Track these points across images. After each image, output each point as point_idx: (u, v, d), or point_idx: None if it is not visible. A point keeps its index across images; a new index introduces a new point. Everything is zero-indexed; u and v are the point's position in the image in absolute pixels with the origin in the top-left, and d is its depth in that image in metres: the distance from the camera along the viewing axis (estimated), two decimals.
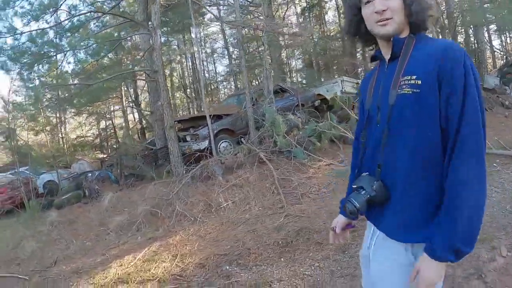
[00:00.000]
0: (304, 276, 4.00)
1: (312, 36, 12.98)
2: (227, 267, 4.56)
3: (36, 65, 13.60)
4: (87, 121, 23.75)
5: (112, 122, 23.14)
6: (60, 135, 20.12)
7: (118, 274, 5.10)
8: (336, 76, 17.62)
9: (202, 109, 15.93)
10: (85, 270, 5.67)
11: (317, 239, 4.90)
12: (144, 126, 20.10)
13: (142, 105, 21.53)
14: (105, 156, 18.52)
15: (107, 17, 14.74)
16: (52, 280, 5.55)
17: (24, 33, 11.99)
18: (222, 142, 10.17)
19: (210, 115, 9.59)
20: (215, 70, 24.53)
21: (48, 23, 12.69)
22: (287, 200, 6.90)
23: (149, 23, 10.25)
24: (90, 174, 12.63)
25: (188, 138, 10.58)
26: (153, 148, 12.78)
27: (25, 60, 12.97)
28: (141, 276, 4.81)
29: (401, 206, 1.42)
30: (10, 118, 16.70)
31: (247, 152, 8.84)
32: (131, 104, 20.17)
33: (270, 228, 5.63)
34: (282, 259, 4.52)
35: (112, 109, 22.42)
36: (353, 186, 1.52)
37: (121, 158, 11.96)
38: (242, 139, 10.01)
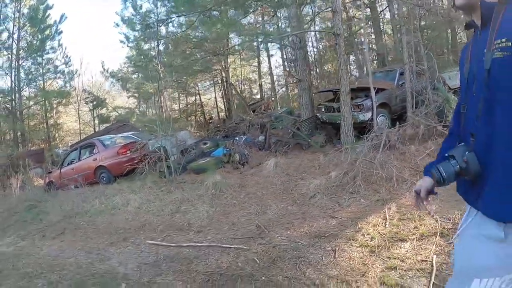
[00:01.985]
0: None
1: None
2: None
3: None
4: (171, 96, 22.05)
5: (200, 98, 21.46)
6: (161, 105, 18.67)
7: (382, 233, 4.46)
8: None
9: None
10: (329, 233, 4.83)
11: None
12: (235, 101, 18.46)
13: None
14: (212, 126, 16.67)
15: None
16: (290, 248, 4.54)
17: None
18: (380, 116, 9.48)
19: (374, 88, 8.98)
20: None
21: None
22: None
23: None
24: (237, 139, 11.10)
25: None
26: (297, 117, 11.94)
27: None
28: (413, 234, 4.29)
29: (501, 181, 1.28)
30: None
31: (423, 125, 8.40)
32: (224, 79, 18.38)
33: None
34: None
35: (200, 84, 20.63)
36: (445, 154, 1.43)
37: (268, 126, 10.73)
38: (407, 113, 9.17)
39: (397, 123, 8.81)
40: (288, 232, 4.98)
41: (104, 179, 10.50)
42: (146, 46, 15.58)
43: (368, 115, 9.40)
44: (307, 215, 5.75)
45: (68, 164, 11.66)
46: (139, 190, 8.78)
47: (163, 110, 17.53)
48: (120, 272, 4.76)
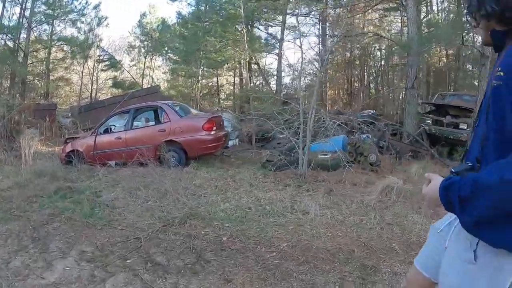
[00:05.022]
0: None
1: None
2: None
3: None
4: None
5: (217, 80, 17.63)
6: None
7: None
8: None
9: None
10: None
11: None
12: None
13: None
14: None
15: None
16: None
17: None
18: None
19: None
20: None
21: None
22: None
23: None
24: (366, 137, 7.93)
25: None
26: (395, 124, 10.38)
27: None
28: None
29: None
30: None
31: None
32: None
33: None
34: None
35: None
36: (452, 170, 1.17)
37: (388, 130, 9.07)
38: None
39: None
40: None
41: (174, 159, 6.74)
42: None
43: None
44: None
45: (107, 131, 7.66)
46: (259, 185, 5.47)
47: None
48: None
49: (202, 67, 14.25)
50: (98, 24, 16.00)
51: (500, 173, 0.97)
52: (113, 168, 6.93)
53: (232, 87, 18.71)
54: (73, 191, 5.44)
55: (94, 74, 17.22)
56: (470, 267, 1.14)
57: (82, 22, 15.31)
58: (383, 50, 17.01)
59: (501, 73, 1.09)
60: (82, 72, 16.76)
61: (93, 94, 17.04)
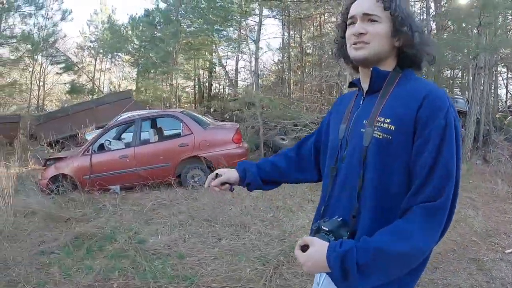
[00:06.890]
0: None
1: None
2: None
3: None
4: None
5: (177, 80, 15.93)
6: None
7: None
8: None
9: None
10: None
11: None
12: None
13: None
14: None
15: None
16: None
17: None
18: None
19: None
20: None
21: None
22: None
23: None
24: None
25: None
26: None
27: None
28: None
29: None
30: None
31: None
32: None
33: None
34: None
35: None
36: (324, 228, 0.98)
37: None
38: None
39: None
40: None
41: (197, 178, 5.42)
42: None
43: None
44: None
45: (103, 148, 6.02)
46: None
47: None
48: None
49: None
50: (62, 19, 13.13)
51: (410, 242, 0.87)
52: (118, 195, 5.42)
53: (192, 90, 17.24)
54: (97, 238, 3.77)
55: (41, 78, 14.37)
56: None
57: (42, 16, 12.44)
58: None
59: (392, 127, 0.93)
60: (32, 75, 13.75)
61: (40, 101, 14.28)
